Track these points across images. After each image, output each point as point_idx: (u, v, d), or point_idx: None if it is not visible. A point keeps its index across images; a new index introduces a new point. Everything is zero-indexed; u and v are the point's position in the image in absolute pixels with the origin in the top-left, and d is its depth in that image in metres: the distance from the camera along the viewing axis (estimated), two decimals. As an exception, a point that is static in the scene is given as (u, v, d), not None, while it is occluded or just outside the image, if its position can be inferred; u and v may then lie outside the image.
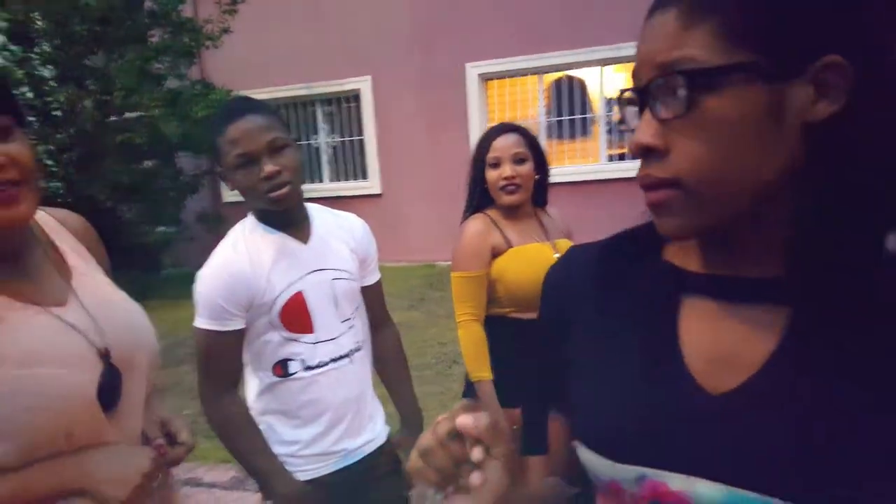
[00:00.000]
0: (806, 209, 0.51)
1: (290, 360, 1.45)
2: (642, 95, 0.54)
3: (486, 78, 8.13)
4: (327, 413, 1.50)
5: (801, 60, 0.49)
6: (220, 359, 1.43)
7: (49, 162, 6.58)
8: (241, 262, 1.41)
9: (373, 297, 1.68)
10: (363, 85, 8.51)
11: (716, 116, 0.49)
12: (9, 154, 0.86)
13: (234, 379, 1.48)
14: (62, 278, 1.00)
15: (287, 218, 1.46)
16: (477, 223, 1.90)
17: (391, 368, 1.77)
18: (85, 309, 0.98)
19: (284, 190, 1.37)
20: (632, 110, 0.56)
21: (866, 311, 0.50)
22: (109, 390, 0.97)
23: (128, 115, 6.97)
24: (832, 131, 0.49)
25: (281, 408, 1.50)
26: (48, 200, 6.54)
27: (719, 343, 0.56)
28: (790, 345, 0.53)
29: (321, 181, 9.09)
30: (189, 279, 1.51)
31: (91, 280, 1.05)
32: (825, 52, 0.48)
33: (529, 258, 1.84)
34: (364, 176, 8.84)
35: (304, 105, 9.02)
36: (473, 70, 8.02)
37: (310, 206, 1.56)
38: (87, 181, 6.60)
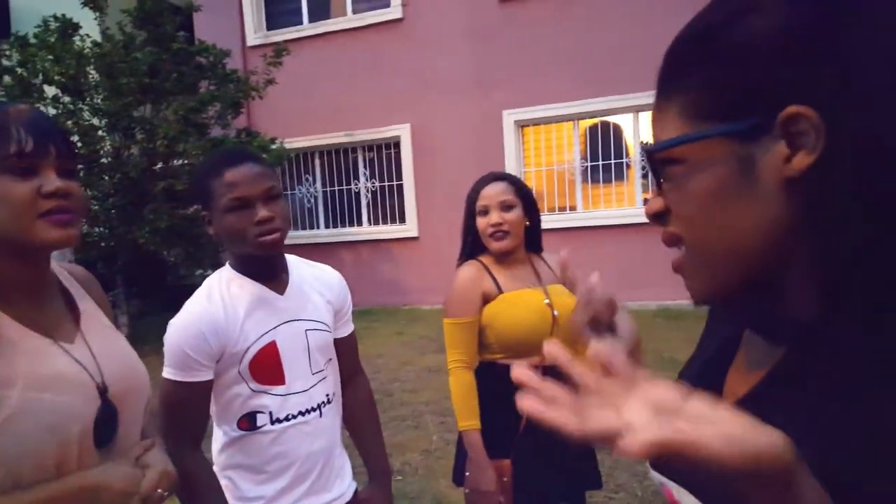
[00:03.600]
0: (812, 256, 0.47)
1: (259, 412, 1.39)
2: (651, 167, 0.55)
3: (521, 125, 7.86)
4: (293, 467, 1.43)
5: (764, 117, 0.47)
6: (186, 411, 1.36)
7: (95, 207, 6.43)
8: (215, 312, 1.36)
9: (346, 349, 1.61)
10: (403, 132, 8.30)
11: (694, 187, 0.50)
12: (72, 189, 0.99)
13: (198, 433, 1.39)
14: (72, 319, 1.07)
15: (267, 267, 1.43)
16: (468, 269, 1.86)
17: (362, 422, 1.67)
18: (89, 348, 1.05)
19: (276, 235, 1.35)
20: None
21: (854, 368, 0.45)
22: (105, 424, 1.01)
23: (172, 162, 6.82)
24: (817, 181, 0.46)
25: (245, 462, 1.42)
26: (93, 244, 6.29)
27: (738, 377, 0.56)
28: (762, 387, 0.52)
29: (360, 224, 8.82)
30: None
31: (97, 323, 1.12)
32: (786, 105, 0.46)
33: (520, 304, 1.78)
34: (402, 220, 8.54)
35: (345, 151, 8.83)
36: (510, 117, 7.76)
37: (288, 257, 1.52)
38: (130, 226, 6.42)
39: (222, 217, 1.34)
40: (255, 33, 8.94)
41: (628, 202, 7.59)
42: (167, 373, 1.35)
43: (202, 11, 7.54)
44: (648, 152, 0.53)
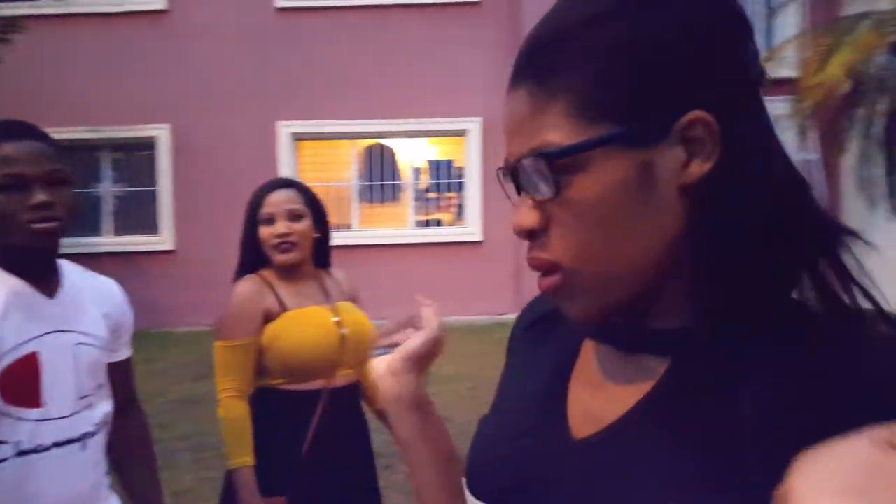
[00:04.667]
0: (696, 264, 0.46)
1: (1, 442, 1.16)
2: (513, 175, 0.49)
3: (298, 138, 7.58)
4: None
5: (663, 122, 0.44)
6: None
7: None
8: None
9: (121, 376, 1.41)
10: (161, 133, 7.41)
11: (586, 196, 0.45)
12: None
13: None
14: None
15: (35, 263, 1.24)
16: (247, 285, 1.66)
17: (135, 462, 1.46)
18: None
19: (53, 224, 1.18)
20: (510, 184, 0.51)
21: (742, 374, 0.44)
22: None
23: None
24: (711, 188, 0.44)
25: None
26: None
27: (601, 390, 0.52)
28: (653, 399, 0.47)
29: (102, 234, 7.60)
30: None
31: None
32: (687, 110, 0.43)
33: (306, 323, 1.64)
34: (154, 230, 7.58)
35: (87, 150, 7.55)
36: (286, 129, 7.43)
37: (61, 261, 1.32)
38: None
39: None
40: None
41: (401, 223, 7.75)
42: None
43: None
44: (543, 156, 0.45)
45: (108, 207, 7.67)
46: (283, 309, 1.64)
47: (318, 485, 1.59)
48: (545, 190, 0.45)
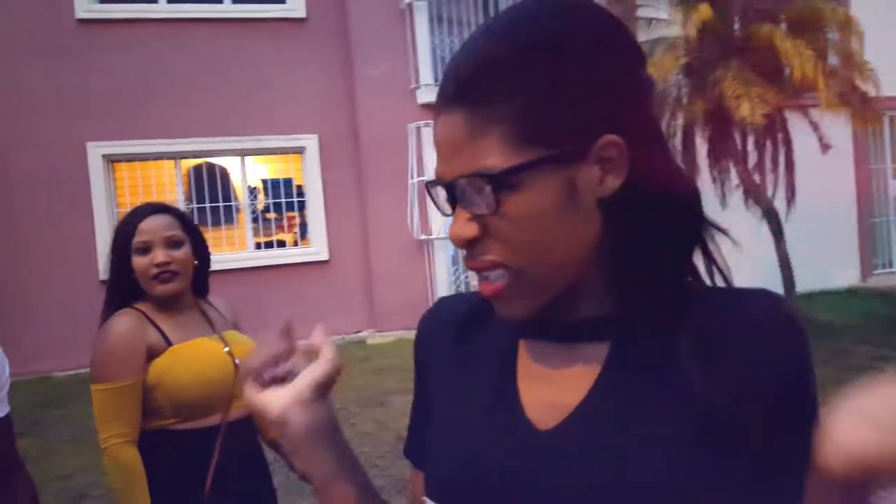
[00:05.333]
0: (613, 261, 0.54)
1: None
2: (449, 190, 0.54)
3: (111, 159, 6.84)
4: None
5: (582, 144, 0.51)
6: None
7: None
8: None
9: (1, 436, 1.35)
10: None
11: (520, 212, 0.51)
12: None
13: None
14: None
15: None
16: (125, 320, 1.54)
17: None
18: None
19: None
20: (441, 196, 0.56)
21: (671, 344, 0.52)
22: None
23: None
24: (621, 199, 0.52)
25: None
26: None
27: (551, 382, 0.56)
28: (606, 379, 0.54)
29: None
30: None
31: None
32: (601, 134, 0.51)
33: (195, 357, 1.55)
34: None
35: None
36: (97, 150, 6.65)
37: None
38: None
39: None
40: None
41: (240, 246, 7.36)
42: None
43: None
44: (482, 177, 0.50)
45: None
46: (168, 343, 1.55)
47: None
48: (483, 206, 0.51)
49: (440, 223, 7.24)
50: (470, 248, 0.54)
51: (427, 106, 7.16)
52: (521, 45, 0.51)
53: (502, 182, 0.50)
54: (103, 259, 5.94)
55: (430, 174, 7.27)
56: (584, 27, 0.52)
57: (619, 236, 0.53)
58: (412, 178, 7.24)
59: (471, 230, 0.53)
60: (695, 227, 0.56)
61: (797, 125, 6.18)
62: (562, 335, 0.57)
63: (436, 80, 7.32)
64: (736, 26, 6.00)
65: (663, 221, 0.54)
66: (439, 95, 0.54)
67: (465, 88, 0.52)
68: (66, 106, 6.54)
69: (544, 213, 0.51)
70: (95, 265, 6.35)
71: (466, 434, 0.58)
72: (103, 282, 6.14)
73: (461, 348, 0.64)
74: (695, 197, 0.56)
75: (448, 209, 0.55)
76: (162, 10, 7.00)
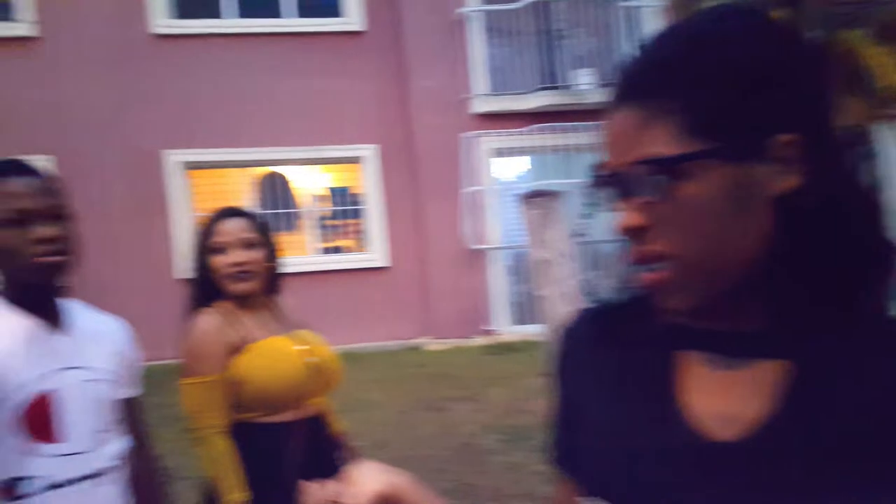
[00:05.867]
0: (781, 272, 0.52)
1: (23, 476, 1.17)
2: (617, 182, 0.55)
3: (189, 167, 7.23)
4: None
5: (759, 141, 0.51)
6: None
7: None
8: None
9: (132, 412, 1.43)
10: (45, 164, 6.72)
11: (689, 201, 0.51)
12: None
13: None
14: None
15: (43, 299, 1.25)
16: (208, 318, 1.63)
17: (145, 501, 1.43)
18: None
19: (58, 258, 1.20)
20: (608, 192, 0.56)
21: (851, 371, 0.51)
22: None
23: None
24: (798, 202, 0.51)
25: None
26: None
27: (717, 396, 0.55)
28: (790, 401, 0.52)
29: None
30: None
31: None
32: (779, 132, 0.50)
33: (273, 354, 1.64)
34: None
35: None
36: (173, 157, 7.06)
37: (65, 298, 1.33)
38: None
39: None
40: None
41: (300, 251, 7.61)
42: None
43: None
44: (653, 163, 0.51)
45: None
46: (249, 341, 1.63)
47: None
48: (653, 194, 0.52)
49: (496, 233, 7.31)
50: (637, 237, 0.54)
51: (481, 116, 7.28)
52: (693, 41, 0.53)
53: (673, 169, 0.50)
54: (179, 259, 6.45)
55: (484, 184, 7.38)
56: (763, 27, 0.53)
57: (791, 241, 0.51)
58: (465, 187, 7.35)
59: (639, 218, 0.53)
60: (875, 245, 0.53)
61: (884, 138, 5.91)
62: (734, 349, 0.55)
63: (490, 91, 7.43)
64: (817, 32, 5.80)
65: (839, 233, 0.51)
66: (613, 96, 0.56)
67: (638, 83, 0.54)
68: (137, 115, 6.91)
69: (714, 204, 0.51)
70: (172, 264, 6.76)
71: (627, 441, 0.58)
72: (178, 280, 6.49)
73: (609, 360, 0.63)
74: (876, 211, 0.53)
75: (611, 203, 0.56)
76: (230, 26, 7.37)
